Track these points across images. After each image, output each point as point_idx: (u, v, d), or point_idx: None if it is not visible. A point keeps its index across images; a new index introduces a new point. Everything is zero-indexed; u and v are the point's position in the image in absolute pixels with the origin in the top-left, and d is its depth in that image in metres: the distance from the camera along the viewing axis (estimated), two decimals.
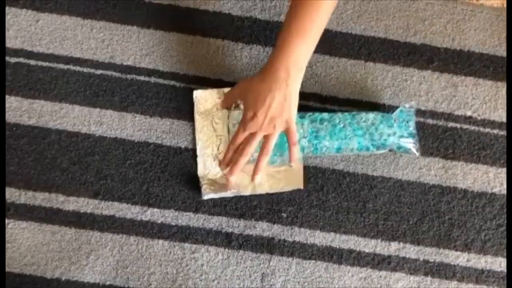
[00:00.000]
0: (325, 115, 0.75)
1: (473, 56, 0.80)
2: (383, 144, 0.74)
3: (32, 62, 0.78)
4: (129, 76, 0.79)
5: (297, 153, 0.72)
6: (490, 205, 0.77)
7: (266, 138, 0.69)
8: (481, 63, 0.80)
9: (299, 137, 0.74)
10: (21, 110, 0.77)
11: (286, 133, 0.69)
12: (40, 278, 0.74)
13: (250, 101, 0.67)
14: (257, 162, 0.71)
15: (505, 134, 0.78)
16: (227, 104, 0.76)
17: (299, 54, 0.65)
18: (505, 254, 0.76)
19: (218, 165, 0.76)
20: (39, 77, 0.78)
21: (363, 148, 0.75)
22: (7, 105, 0.77)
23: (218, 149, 0.76)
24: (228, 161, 0.73)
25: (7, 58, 0.78)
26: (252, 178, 0.73)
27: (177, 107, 0.78)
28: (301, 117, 0.75)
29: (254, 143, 0.70)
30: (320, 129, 0.75)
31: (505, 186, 0.77)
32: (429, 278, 0.75)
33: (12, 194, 0.75)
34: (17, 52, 0.79)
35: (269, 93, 0.65)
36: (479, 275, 0.75)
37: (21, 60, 0.79)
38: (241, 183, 0.75)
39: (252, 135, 0.69)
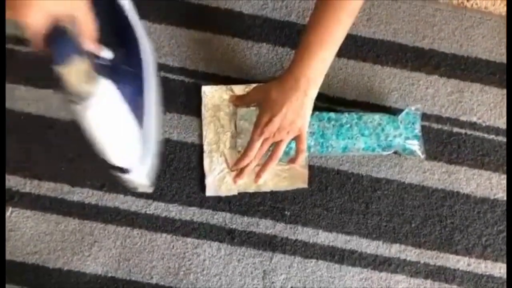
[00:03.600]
0: (332, 114, 0.76)
1: (480, 63, 0.81)
2: (389, 145, 0.75)
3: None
4: None
5: (302, 160, 0.72)
6: (492, 211, 0.78)
7: (277, 143, 0.70)
8: (488, 70, 0.81)
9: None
10: (30, 99, 0.77)
11: (297, 139, 0.69)
12: (42, 267, 0.74)
13: (266, 107, 0.67)
14: (264, 166, 0.71)
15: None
16: (240, 105, 0.76)
17: (321, 63, 0.64)
18: (505, 260, 0.76)
19: (224, 162, 0.76)
20: (48, 66, 0.78)
21: (369, 148, 0.75)
22: (16, 93, 0.77)
23: (225, 145, 0.77)
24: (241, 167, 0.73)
25: (16, 47, 0.78)
26: (255, 180, 0.73)
27: (185, 102, 0.78)
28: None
29: (265, 149, 0.70)
30: (327, 128, 0.75)
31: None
32: (429, 281, 0.76)
33: (18, 183, 0.75)
34: (27, 41, 0.79)
35: (287, 101, 0.65)
36: (478, 280, 0.76)
37: (31, 48, 0.78)
38: (246, 180, 0.75)
39: (264, 141, 0.69)
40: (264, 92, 0.69)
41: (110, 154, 0.59)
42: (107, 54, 0.58)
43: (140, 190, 0.69)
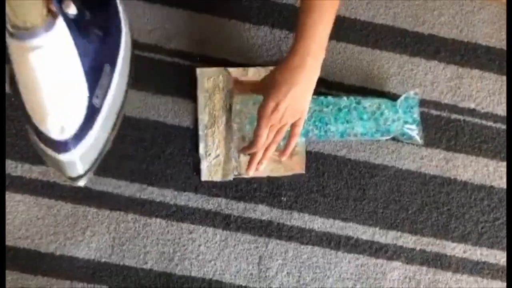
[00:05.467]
0: (331, 99, 0.75)
1: (480, 49, 0.80)
2: (387, 130, 0.74)
3: None
4: None
5: (293, 145, 0.70)
6: (489, 198, 0.77)
7: (279, 128, 0.68)
8: (487, 56, 0.80)
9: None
10: None
11: (293, 125, 0.68)
12: (34, 251, 0.73)
13: (272, 92, 0.65)
14: (265, 152, 0.70)
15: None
16: (243, 91, 0.74)
17: (322, 38, 0.63)
18: (500, 247, 0.76)
19: (219, 147, 0.75)
20: None
21: (368, 133, 0.74)
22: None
23: (220, 129, 0.75)
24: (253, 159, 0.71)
25: None
26: (257, 167, 0.72)
27: (180, 85, 0.77)
28: None
29: (272, 136, 0.68)
30: (325, 112, 0.74)
31: (504, 180, 0.77)
32: (424, 268, 0.75)
33: (8, 166, 0.74)
34: None
35: (293, 81, 0.64)
36: (474, 266, 0.76)
37: None
38: (242, 165, 0.74)
39: (270, 128, 0.67)
40: (268, 78, 0.67)
41: (42, 114, 0.49)
42: (71, 9, 0.49)
43: (66, 176, 0.59)
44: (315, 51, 0.63)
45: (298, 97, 0.65)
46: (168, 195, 0.75)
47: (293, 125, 0.68)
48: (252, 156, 0.71)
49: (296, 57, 0.63)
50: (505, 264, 0.76)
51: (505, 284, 0.75)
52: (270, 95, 0.65)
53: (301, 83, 0.64)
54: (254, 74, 0.76)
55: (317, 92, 0.77)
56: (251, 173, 0.72)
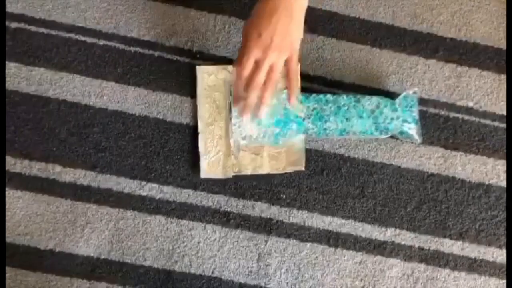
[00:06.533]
0: (330, 96, 0.75)
1: (478, 48, 0.80)
2: (386, 128, 0.75)
3: (33, 28, 0.76)
4: (132, 49, 0.77)
5: (296, 91, 0.66)
6: (486, 196, 0.78)
7: (270, 68, 0.64)
8: (486, 55, 0.80)
9: (303, 117, 0.74)
10: (20, 77, 0.75)
11: (288, 61, 0.65)
12: (34, 248, 0.73)
13: (253, 22, 0.62)
14: (262, 96, 0.65)
15: (505, 127, 0.79)
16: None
17: None
18: (498, 244, 0.77)
19: (219, 144, 0.75)
20: (39, 44, 0.76)
21: (367, 131, 0.75)
22: (5, 70, 0.75)
23: (220, 126, 0.75)
24: (241, 100, 0.67)
25: (7, 23, 0.76)
26: (256, 114, 0.67)
27: (180, 83, 0.77)
28: (306, 98, 0.75)
29: (262, 73, 0.63)
30: (324, 110, 0.75)
31: (501, 178, 0.78)
32: (423, 265, 0.76)
33: (8, 162, 0.74)
34: (18, 17, 0.76)
35: (274, 13, 0.61)
36: (472, 263, 0.76)
37: (22, 25, 0.76)
38: (242, 162, 0.75)
39: (256, 65, 0.63)
40: (248, 20, 0.64)
41: None
42: None
43: None
44: None
45: (283, 28, 0.62)
46: (167, 192, 0.75)
47: (287, 61, 0.65)
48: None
49: None
50: (502, 261, 0.76)
51: (502, 281, 0.76)
52: (252, 25, 0.63)
53: (285, 12, 0.61)
54: None
55: (317, 89, 0.77)
56: (245, 119, 0.68)
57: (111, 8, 0.78)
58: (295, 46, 0.64)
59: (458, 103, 0.79)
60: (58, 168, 0.74)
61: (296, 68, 0.67)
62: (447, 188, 0.77)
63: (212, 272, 0.74)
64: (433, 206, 0.77)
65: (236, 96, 0.67)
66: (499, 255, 0.77)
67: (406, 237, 0.76)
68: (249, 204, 0.75)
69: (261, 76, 0.64)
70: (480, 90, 0.80)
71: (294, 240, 0.75)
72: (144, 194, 0.75)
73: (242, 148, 0.75)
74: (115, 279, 0.73)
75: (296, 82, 0.67)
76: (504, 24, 0.81)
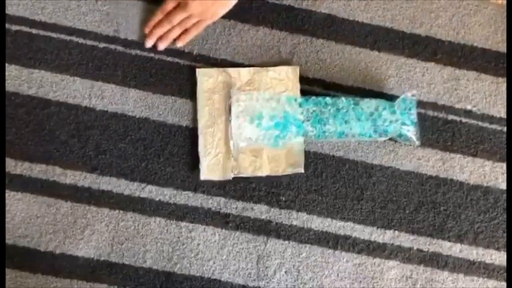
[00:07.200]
0: (329, 99, 0.76)
1: (476, 51, 0.81)
2: (385, 131, 0.75)
3: (34, 31, 0.77)
4: (133, 51, 0.77)
5: (192, 35, 0.77)
6: (485, 198, 0.78)
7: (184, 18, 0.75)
8: (484, 58, 0.81)
9: (302, 119, 0.75)
10: (21, 79, 0.76)
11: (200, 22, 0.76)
12: (34, 250, 0.73)
13: None
14: (187, 32, 0.77)
15: (503, 129, 0.79)
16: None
17: None
18: (496, 246, 0.77)
19: (218, 146, 0.76)
20: (40, 47, 0.77)
21: (366, 134, 0.75)
22: (6, 73, 0.76)
23: (219, 128, 0.76)
24: (154, 28, 0.76)
25: (7, 26, 0.77)
26: (177, 43, 0.77)
27: (180, 85, 0.77)
28: (305, 101, 0.75)
29: (180, 15, 0.74)
30: (323, 113, 0.75)
31: (500, 180, 0.78)
32: (421, 267, 0.76)
33: (8, 164, 0.74)
34: (19, 20, 0.77)
35: None
36: (470, 266, 0.77)
37: (23, 28, 0.77)
38: (241, 164, 0.75)
39: (173, 13, 0.74)
40: None
41: None
42: None
43: None
44: None
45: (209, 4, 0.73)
46: (167, 194, 0.75)
47: (199, 21, 0.75)
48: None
49: None
50: (500, 263, 0.77)
51: (500, 283, 0.76)
52: None
53: None
54: (252, 74, 0.77)
55: (315, 92, 0.78)
56: (149, 45, 0.77)
57: (112, 12, 0.78)
58: (214, 17, 0.76)
59: (457, 106, 0.80)
60: (58, 170, 0.74)
61: (201, 28, 0.77)
62: (445, 190, 0.78)
63: (212, 274, 0.74)
64: (432, 208, 0.77)
65: (152, 22, 0.76)
66: (497, 257, 0.77)
67: (405, 239, 0.76)
68: (248, 206, 0.76)
69: (177, 18, 0.75)
70: (478, 92, 0.80)
71: (294, 242, 0.75)
72: (144, 196, 0.75)
73: (242, 150, 0.75)
74: (115, 281, 0.73)
75: (193, 34, 0.77)
76: (502, 27, 0.81)
